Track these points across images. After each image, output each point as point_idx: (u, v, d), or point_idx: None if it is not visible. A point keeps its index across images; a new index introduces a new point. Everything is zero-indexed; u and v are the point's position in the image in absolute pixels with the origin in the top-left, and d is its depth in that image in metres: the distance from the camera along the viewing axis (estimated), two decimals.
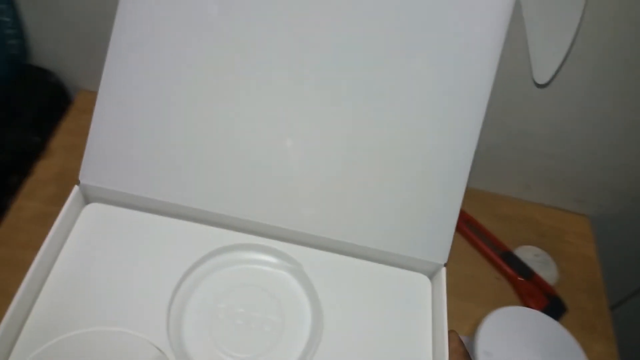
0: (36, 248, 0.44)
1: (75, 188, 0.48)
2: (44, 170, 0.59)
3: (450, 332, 0.49)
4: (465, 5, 0.50)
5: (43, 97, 0.65)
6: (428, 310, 0.53)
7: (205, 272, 0.51)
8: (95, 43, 0.48)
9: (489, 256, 0.67)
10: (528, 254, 0.69)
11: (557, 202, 0.75)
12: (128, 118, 0.49)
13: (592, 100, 0.62)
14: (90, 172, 0.48)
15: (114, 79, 0.48)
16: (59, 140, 0.61)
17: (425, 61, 0.51)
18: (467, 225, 0.70)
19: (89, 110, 0.47)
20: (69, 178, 0.49)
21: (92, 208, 0.50)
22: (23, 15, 0.62)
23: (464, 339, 0.57)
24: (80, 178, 0.48)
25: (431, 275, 0.56)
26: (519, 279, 0.65)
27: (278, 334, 0.49)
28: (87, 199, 0.50)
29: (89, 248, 0.48)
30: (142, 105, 0.49)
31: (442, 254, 0.54)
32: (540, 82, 0.48)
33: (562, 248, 0.70)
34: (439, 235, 0.54)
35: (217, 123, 0.50)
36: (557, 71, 0.46)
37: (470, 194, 0.74)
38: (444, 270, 0.54)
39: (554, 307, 0.62)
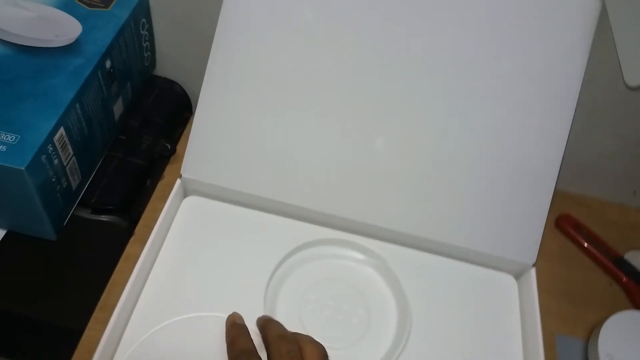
0: None
1: (178, 181, 0.53)
2: (172, 174, 0.63)
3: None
4: (552, 10, 0.50)
5: (171, 106, 0.71)
6: (516, 310, 0.52)
7: (296, 264, 0.53)
8: None
9: (601, 262, 0.65)
10: (637, 259, 0.65)
11: None
12: (226, 117, 0.53)
13: None
14: (191, 166, 0.53)
15: (216, 80, 0.52)
16: (183, 147, 0.67)
17: (513, 64, 0.51)
18: (577, 231, 0.67)
19: None
20: None
21: (191, 201, 0.55)
22: (154, 28, 0.68)
23: (578, 342, 0.57)
24: (182, 172, 0.53)
25: (518, 276, 0.54)
26: (632, 283, 0.62)
27: (365, 327, 0.51)
28: (186, 192, 0.55)
29: (188, 239, 0.52)
30: (239, 105, 0.53)
31: (530, 254, 0.52)
32: (631, 84, 0.45)
33: None
34: (527, 236, 0.53)
35: (310, 122, 0.53)
36: None
37: (578, 201, 0.72)
38: (533, 270, 0.52)
39: None
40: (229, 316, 0.46)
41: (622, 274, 0.63)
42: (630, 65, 0.45)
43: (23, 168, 0.44)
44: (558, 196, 0.65)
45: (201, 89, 0.52)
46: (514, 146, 0.52)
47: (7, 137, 0.45)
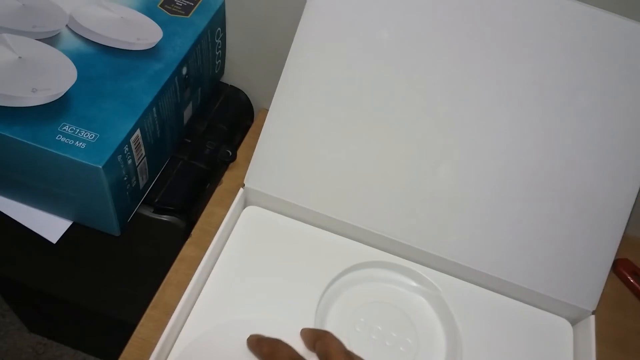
0: None
1: (241, 190, 0.53)
2: (230, 180, 0.65)
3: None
4: (634, 46, 0.49)
5: (235, 113, 0.73)
6: (569, 357, 0.51)
7: (348, 283, 0.54)
8: (281, 68, 0.54)
9: None
10: None
11: None
12: (293, 133, 0.53)
13: None
14: (255, 177, 0.54)
15: (287, 93, 0.53)
16: (242, 154, 0.68)
17: (591, 99, 0.50)
18: (635, 277, 0.65)
19: None
20: None
21: (250, 210, 0.56)
22: (227, 37, 0.69)
23: None
24: (245, 182, 0.54)
25: (575, 321, 0.53)
26: None
27: (412, 356, 0.50)
28: (246, 202, 0.56)
29: (246, 247, 0.53)
30: (307, 122, 0.53)
31: (591, 300, 0.51)
32: None
33: None
34: (590, 281, 0.51)
35: (377, 143, 0.53)
36: None
37: (639, 245, 0.70)
38: (592, 318, 0.51)
39: None
40: (249, 337, 0.46)
41: None
42: None
43: (100, 166, 0.45)
44: None
45: (272, 100, 0.53)
46: (585, 185, 0.51)
47: (87, 134, 0.47)
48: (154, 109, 0.52)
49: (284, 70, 0.53)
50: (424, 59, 0.51)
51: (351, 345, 0.49)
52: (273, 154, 0.54)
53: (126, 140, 0.48)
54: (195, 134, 0.66)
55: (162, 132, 0.55)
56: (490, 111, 0.51)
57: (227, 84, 0.75)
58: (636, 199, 0.65)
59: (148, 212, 0.59)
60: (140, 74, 0.52)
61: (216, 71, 0.68)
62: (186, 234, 0.60)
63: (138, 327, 0.52)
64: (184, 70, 0.56)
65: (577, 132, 0.50)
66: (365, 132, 0.53)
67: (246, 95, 0.75)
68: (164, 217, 0.59)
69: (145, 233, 0.61)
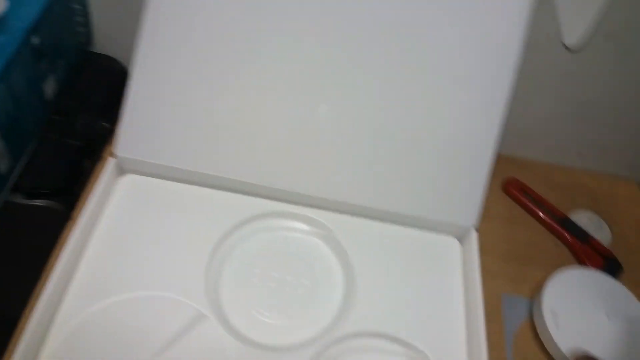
0: None
1: (111, 160, 0.51)
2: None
3: None
4: None
5: (110, 83, 0.68)
6: (459, 272, 0.53)
7: (240, 238, 0.53)
8: None
9: (546, 222, 0.66)
10: (582, 219, 0.67)
11: (609, 168, 0.75)
12: (160, 93, 0.51)
13: None
14: (126, 145, 0.51)
15: (148, 52, 0.51)
16: None
17: (453, 30, 0.50)
18: (524, 194, 0.68)
19: None
20: None
21: (128, 179, 0.53)
22: (91, 3, 0.65)
23: (525, 300, 0.58)
24: (115, 151, 0.51)
25: (461, 238, 0.55)
26: (576, 242, 0.64)
27: (311, 297, 0.50)
28: (122, 171, 0.53)
29: (126, 217, 0.51)
30: (174, 80, 0.51)
31: (471, 216, 0.53)
32: (569, 42, 0.45)
33: (614, 212, 0.70)
34: (468, 199, 0.53)
35: (249, 94, 0.52)
36: (588, 35, 0.43)
37: (524, 164, 0.73)
38: (474, 232, 0.52)
39: (610, 267, 0.63)
40: None
41: (567, 233, 0.65)
42: (568, 24, 0.45)
43: None
44: (504, 161, 0.66)
45: (133, 62, 0.50)
46: (453, 112, 0.52)
47: None
48: (2, 85, 0.48)
49: (141, 28, 0.50)
50: (289, 3, 0.50)
51: (250, 298, 0.49)
52: (142, 118, 0.51)
53: None
54: (64, 109, 0.62)
55: (18, 109, 0.51)
56: (360, 51, 0.51)
57: (99, 54, 0.70)
58: (521, 121, 0.68)
59: (19, 199, 0.55)
60: None
61: (81, 40, 0.64)
62: (67, 216, 0.56)
63: (22, 320, 0.49)
64: (36, 40, 0.52)
65: (441, 62, 0.51)
66: (237, 82, 0.51)
67: (121, 64, 0.71)
68: (38, 202, 0.55)
69: (20, 221, 0.57)
